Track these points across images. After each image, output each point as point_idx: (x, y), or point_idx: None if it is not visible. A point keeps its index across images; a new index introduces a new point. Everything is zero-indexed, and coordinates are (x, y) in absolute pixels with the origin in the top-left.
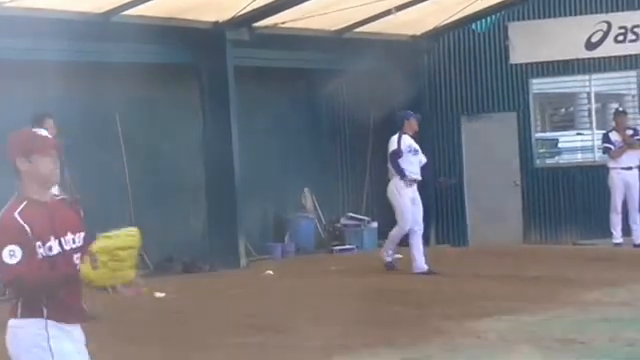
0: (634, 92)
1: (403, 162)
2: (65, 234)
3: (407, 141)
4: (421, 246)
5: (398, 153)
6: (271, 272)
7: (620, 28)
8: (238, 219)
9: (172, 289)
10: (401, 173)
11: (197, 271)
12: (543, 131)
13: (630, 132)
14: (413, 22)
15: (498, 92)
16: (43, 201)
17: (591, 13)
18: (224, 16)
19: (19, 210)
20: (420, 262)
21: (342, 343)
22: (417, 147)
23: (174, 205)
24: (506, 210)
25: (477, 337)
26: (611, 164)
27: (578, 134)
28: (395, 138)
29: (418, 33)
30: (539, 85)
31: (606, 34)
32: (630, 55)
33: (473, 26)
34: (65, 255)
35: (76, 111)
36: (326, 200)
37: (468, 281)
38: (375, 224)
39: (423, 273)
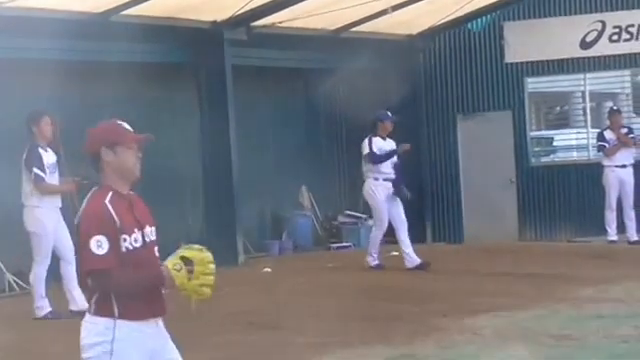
0: (628, 91)
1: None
2: (145, 226)
3: (378, 143)
4: (408, 240)
5: (373, 156)
6: (269, 269)
7: (614, 27)
8: (236, 217)
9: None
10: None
11: None
12: (538, 129)
13: (624, 130)
14: (409, 21)
15: (493, 91)
16: (124, 193)
17: (586, 13)
18: (222, 15)
19: (109, 199)
20: (412, 257)
21: (339, 340)
22: (391, 147)
23: (172, 203)
24: (502, 208)
25: (473, 333)
26: (606, 162)
27: (578, 133)
28: (366, 141)
29: (414, 32)
30: (534, 84)
31: (600, 33)
32: (624, 54)
33: (469, 25)
34: (147, 248)
35: (74, 110)
36: (323, 198)
37: (464, 278)
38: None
39: (417, 267)
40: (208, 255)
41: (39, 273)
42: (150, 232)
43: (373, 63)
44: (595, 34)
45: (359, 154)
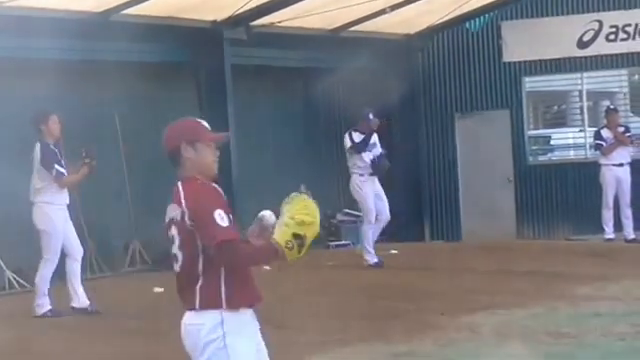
0: (625, 90)
1: (357, 156)
2: (229, 212)
3: (356, 138)
4: (371, 239)
5: (356, 146)
6: (268, 267)
7: (611, 27)
8: (235, 216)
9: (170, 284)
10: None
11: None
12: (536, 128)
13: (621, 129)
14: (407, 21)
15: (491, 90)
16: None
17: (583, 12)
18: (221, 15)
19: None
20: (371, 255)
21: (338, 338)
22: (373, 142)
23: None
24: (499, 206)
25: (471, 331)
26: (603, 161)
27: (580, 130)
28: (347, 136)
29: (412, 32)
30: (532, 83)
31: (597, 33)
32: (621, 54)
33: (467, 25)
34: None
35: (74, 110)
36: (322, 197)
37: (462, 276)
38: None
39: (373, 265)
40: (317, 221)
41: (46, 271)
42: None
43: (372, 62)
44: (592, 33)
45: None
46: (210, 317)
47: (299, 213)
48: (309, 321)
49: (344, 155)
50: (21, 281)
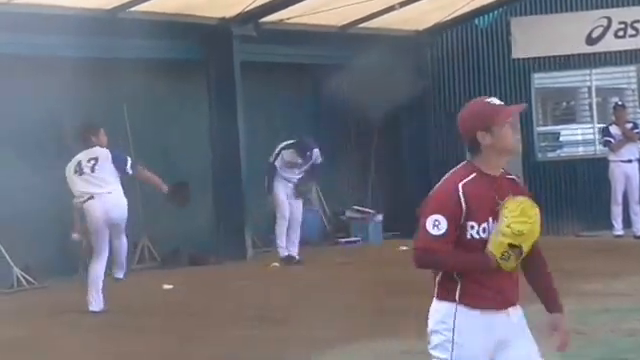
0: (634, 86)
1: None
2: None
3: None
4: (284, 236)
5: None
6: (277, 264)
7: (620, 23)
8: (245, 212)
9: (179, 281)
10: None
11: (204, 263)
12: (545, 125)
13: (630, 125)
14: (416, 18)
15: (500, 86)
16: (492, 175)
17: (592, 9)
18: (231, 12)
19: (465, 182)
20: (282, 249)
21: (348, 334)
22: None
23: None
24: None
25: None
26: (611, 157)
27: (584, 128)
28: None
29: (421, 28)
30: (541, 79)
31: (606, 29)
32: (630, 50)
33: (476, 21)
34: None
35: (84, 106)
36: (332, 193)
37: None
38: (380, 217)
39: (285, 258)
40: (536, 228)
41: (100, 267)
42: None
43: (381, 59)
44: (601, 30)
45: (367, 149)
46: (445, 308)
47: (516, 221)
48: (318, 318)
49: (353, 151)
50: (29, 278)
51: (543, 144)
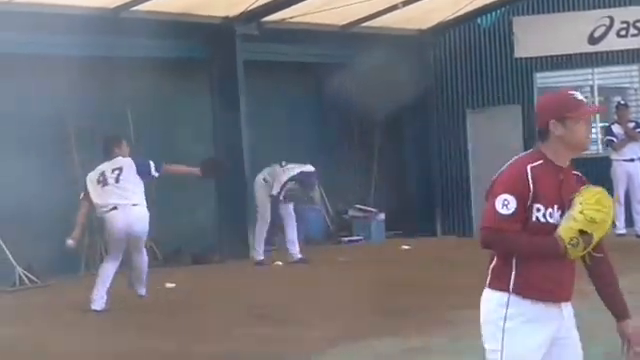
0: (636, 86)
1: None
2: (564, 206)
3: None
4: (263, 239)
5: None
6: (280, 263)
7: (622, 23)
8: (247, 210)
9: (181, 280)
10: None
11: (207, 262)
12: None
13: (632, 125)
14: (419, 17)
15: (503, 85)
16: (559, 165)
17: (594, 8)
18: (234, 11)
19: (533, 165)
20: (257, 253)
21: (351, 333)
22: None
23: (184, 197)
24: None
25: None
26: (614, 156)
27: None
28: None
29: (424, 28)
30: (543, 79)
31: (609, 29)
32: (632, 49)
33: (478, 21)
34: (555, 227)
35: (88, 105)
36: (334, 192)
37: (474, 271)
38: (382, 216)
39: (258, 262)
40: (609, 218)
41: (111, 268)
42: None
43: (384, 58)
44: (603, 29)
45: (370, 148)
46: (496, 297)
47: (590, 208)
48: (321, 316)
49: (356, 150)
50: (32, 277)
51: None
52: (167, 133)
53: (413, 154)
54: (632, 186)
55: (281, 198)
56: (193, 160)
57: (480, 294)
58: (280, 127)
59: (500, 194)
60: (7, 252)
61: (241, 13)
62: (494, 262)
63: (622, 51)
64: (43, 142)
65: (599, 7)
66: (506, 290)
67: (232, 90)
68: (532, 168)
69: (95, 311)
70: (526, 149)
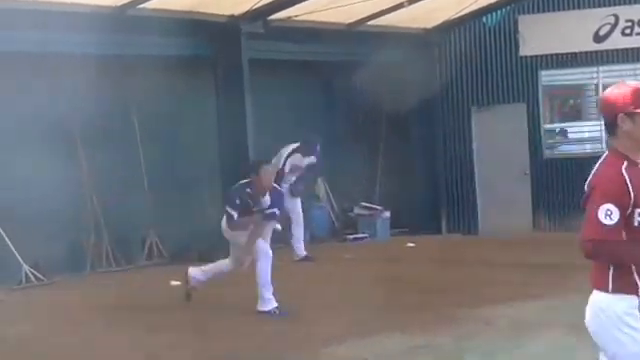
0: None
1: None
2: None
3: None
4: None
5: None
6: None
7: (627, 21)
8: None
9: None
10: None
11: (213, 259)
12: (552, 122)
13: None
14: (425, 15)
15: (508, 84)
16: (636, 162)
17: (599, 7)
18: (239, 9)
19: (625, 166)
20: (300, 249)
21: (356, 330)
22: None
23: (190, 195)
24: (516, 200)
25: (487, 324)
26: None
27: (591, 125)
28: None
29: (430, 26)
30: (548, 77)
31: (613, 27)
32: (637, 48)
33: (484, 19)
34: None
35: (94, 103)
36: (340, 190)
37: (479, 269)
38: (387, 213)
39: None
40: None
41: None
42: None
43: (389, 56)
44: (608, 27)
45: (375, 147)
46: (625, 298)
47: None
48: (326, 313)
49: (361, 148)
50: (38, 275)
51: (550, 141)
52: (172, 130)
53: (418, 152)
54: None
55: (287, 171)
56: (197, 157)
57: (485, 292)
58: (285, 125)
59: (602, 204)
60: (14, 250)
61: (247, 11)
62: (612, 268)
63: (627, 49)
64: (49, 141)
65: (604, 5)
66: (634, 294)
67: (237, 88)
68: (626, 170)
69: (265, 312)
70: (530, 147)
